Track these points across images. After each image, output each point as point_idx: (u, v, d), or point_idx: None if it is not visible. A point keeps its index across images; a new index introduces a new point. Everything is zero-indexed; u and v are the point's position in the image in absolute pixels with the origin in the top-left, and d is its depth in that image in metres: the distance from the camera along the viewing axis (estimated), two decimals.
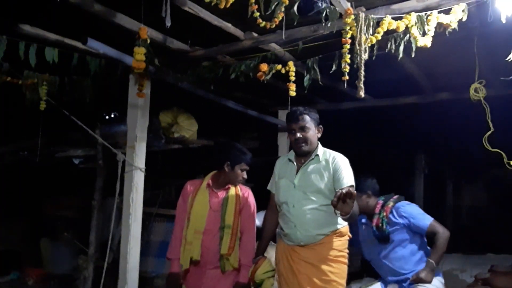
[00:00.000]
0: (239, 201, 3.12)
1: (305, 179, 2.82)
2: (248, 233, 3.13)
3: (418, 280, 3.05)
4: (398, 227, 3.21)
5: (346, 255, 2.87)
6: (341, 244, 2.83)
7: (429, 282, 3.05)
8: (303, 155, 2.88)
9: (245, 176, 3.17)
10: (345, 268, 2.85)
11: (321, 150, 2.88)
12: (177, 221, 3.25)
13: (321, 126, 2.92)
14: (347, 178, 2.76)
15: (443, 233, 3.15)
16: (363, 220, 3.43)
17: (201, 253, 3.09)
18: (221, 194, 3.16)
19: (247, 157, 3.16)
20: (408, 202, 3.32)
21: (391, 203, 3.27)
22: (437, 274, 3.21)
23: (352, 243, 3.07)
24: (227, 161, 3.12)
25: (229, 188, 3.17)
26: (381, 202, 3.31)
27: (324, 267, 2.74)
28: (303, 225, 2.79)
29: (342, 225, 2.84)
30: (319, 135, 2.91)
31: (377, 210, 3.27)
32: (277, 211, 3.02)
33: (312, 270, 2.75)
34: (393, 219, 3.21)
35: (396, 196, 3.34)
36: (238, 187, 3.20)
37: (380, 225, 3.21)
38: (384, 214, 3.22)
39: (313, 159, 2.85)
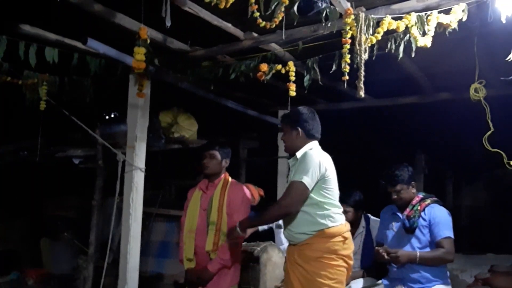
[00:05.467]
0: (223, 197, 3.13)
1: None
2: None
3: (394, 252, 3.08)
4: (424, 225, 3.22)
5: (334, 257, 2.73)
6: (326, 245, 2.72)
7: (398, 261, 3.07)
8: (290, 157, 2.94)
9: (205, 162, 3.20)
10: (330, 270, 2.72)
11: (302, 151, 2.83)
12: (181, 227, 3.34)
13: (298, 127, 2.83)
14: (299, 172, 2.70)
15: (448, 253, 3.10)
16: (393, 210, 3.42)
17: (196, 252, 3.13)
18: (210, 192, 3.20)
19: (205, 145, 3.35)
20: (444, 209, 3.28)
21: (428, 201, 3.28)
22: (447, 282, 3.22)
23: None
24: None
25: (216, 184, 3.19)
26: (420, 196, 3.32)
27: (307, 267, 2.73)
28: (286, 224, 2.86)
29: (327, 226, 2.73)
30: (300, 135, 2.83)
31: (414, 202, 3.29)
32: None
33: (298, 269, 2.77)
34: (423, 216, 3.23)
35: (435, 198, 3.34)
36: (227, 183, 3.20)
37: (412, 216, 3.23)
38: (419, 208, 3.25)
39: (295, 159, 2.86)
